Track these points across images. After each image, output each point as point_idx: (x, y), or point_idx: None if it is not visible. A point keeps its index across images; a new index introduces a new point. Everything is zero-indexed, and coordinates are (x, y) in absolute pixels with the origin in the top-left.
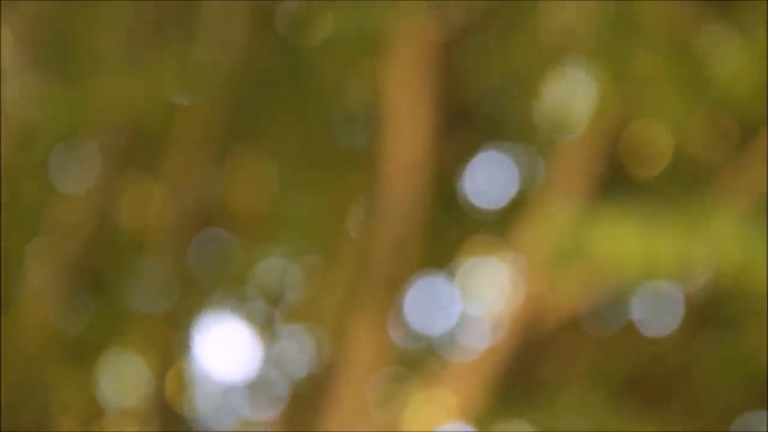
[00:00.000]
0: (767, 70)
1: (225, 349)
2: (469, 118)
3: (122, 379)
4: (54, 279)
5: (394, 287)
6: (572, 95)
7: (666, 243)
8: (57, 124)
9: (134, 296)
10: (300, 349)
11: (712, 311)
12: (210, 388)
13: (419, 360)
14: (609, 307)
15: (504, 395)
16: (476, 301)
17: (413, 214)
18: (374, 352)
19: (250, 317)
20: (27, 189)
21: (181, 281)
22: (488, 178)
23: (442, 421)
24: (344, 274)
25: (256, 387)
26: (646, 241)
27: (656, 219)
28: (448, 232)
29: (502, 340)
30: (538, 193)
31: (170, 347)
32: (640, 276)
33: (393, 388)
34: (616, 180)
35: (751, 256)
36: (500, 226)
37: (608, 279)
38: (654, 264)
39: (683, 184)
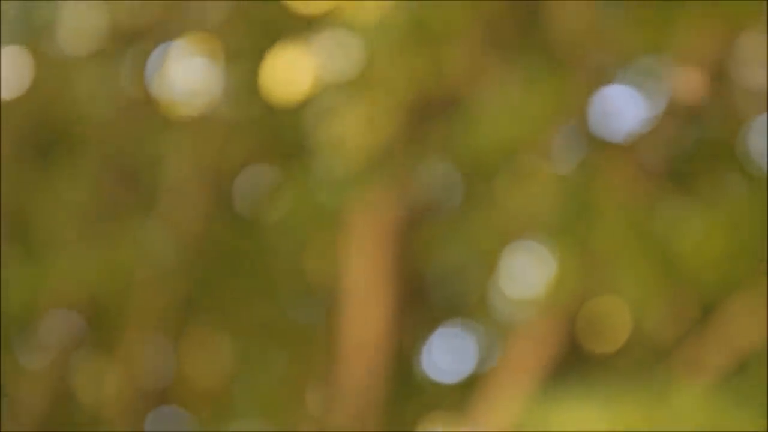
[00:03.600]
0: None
1: None
2: (427, 295)
3: None
4: None
5: None
6: (531, 272)
7: (629, 422)
8: (16, 301)
9: None
10: None
11: None
12: None
13: None
14: None
15: None
16: None
17: (372, 389)
18: None
19: None
20: None
21: None
22: (447, 354)
23: None
24: None
25: None
26: (609, 422)
27: (618, 397)
28: (407, 407)
29: None
30: (496, 369)
31: None
32: None
33: None
34: (575, 356)
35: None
36: (459, 402)
37: None
38: None
39: (642, 360)
